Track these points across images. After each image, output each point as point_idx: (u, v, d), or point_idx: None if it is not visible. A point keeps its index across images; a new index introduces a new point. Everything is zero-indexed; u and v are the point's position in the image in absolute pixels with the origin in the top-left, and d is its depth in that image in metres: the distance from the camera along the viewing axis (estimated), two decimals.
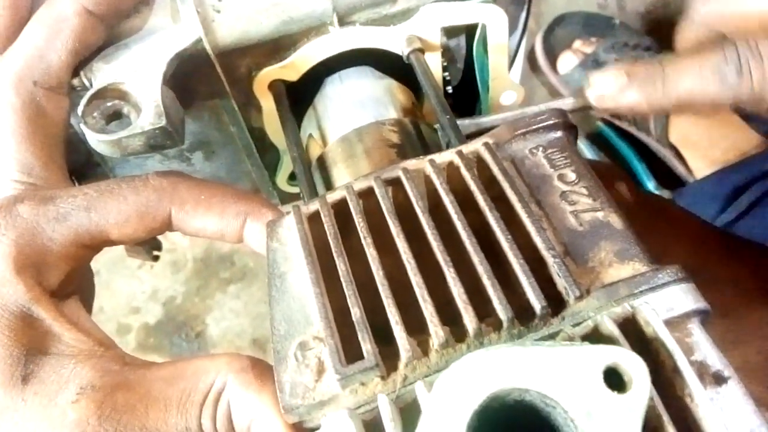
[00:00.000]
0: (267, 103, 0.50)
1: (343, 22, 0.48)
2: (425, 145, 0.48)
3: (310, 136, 0.51)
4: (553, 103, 0.51)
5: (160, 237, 0.48)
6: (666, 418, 0.27)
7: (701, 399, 0.28)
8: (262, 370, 0.36)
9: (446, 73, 0.54)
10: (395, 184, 0.37)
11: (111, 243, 0.41)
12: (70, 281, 0.40)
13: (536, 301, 0.31)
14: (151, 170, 0.43)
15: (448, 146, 0.47)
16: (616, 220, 0.35)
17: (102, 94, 0.44)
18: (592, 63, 1.41)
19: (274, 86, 0.49)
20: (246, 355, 0.37)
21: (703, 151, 1.34)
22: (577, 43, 1.48)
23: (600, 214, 0.35)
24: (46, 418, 0.34)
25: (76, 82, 0.45)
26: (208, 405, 0.35)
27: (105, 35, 0.45)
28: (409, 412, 0.30)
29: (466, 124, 0.49)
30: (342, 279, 0.33)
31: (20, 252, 0.37)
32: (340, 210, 0.37)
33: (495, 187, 0.35)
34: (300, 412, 0.31)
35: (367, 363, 0.30)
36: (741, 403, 0.29)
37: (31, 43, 0.43)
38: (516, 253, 0.32)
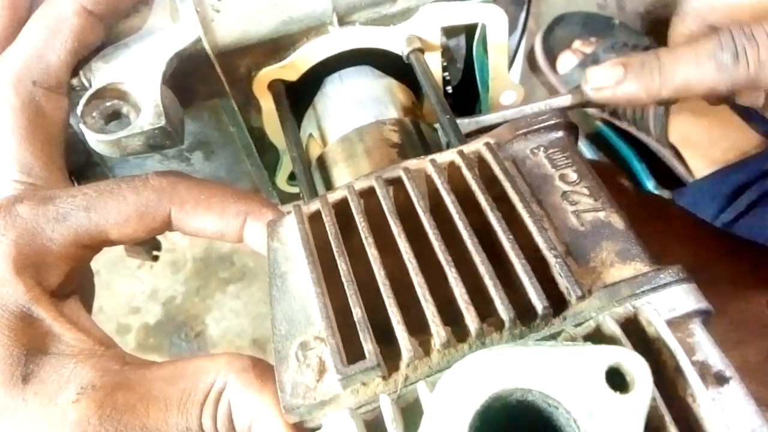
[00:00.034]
0: (266, 103, 0.50)
1: (342, 21, 0.48)
2: (426, 145, 0.48)
3: (310, 135, 0.51)
4: (551, 100, 0.51)
5: (159, 237, 0.48)
6: (668, 419, 0.27)
7: (703, 399, 0.28)
8: (263, 370, 0.36)
9: (446, 73, 0.54)
10: (396, 183, 0.37)
11: (111, 243, 0.41)
12: (69, 281, 0.39)
13: (538, 301, 0.31)
14: (150, 170, 0.43)
15: (448, 146, 0.47)
16: (617, 220, 0.35)
17: (101, 93, 0.44)
18: (592, 63, 1.41)
19: (274, 86, 0.49)
20: (246, 354, 0.37)
21: (703, 150, 1.34)
22: (577, 43, 1.48)
23: (601, 214, 0.35)
24: (46, 418, 0.34)
25: (75, 81, 0.45)
26: (209, 405, 0.35)
27: (104, 35, 0.45)
28: (410, 412, 0.30)
29: (465, 123, 0.49)
30: (343, 279, 0.33)
31: (20, 252, 0.37)
32: (341, 210, 0.36)
33: (496, 187, 0.35)
34: (301, 412, 0.31)
35: (368, 363, 0.30)
36: (742, 403, 0.29)
37: (30, 43, 0.43)
38: (517, 253, 0.32)
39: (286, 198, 0.63)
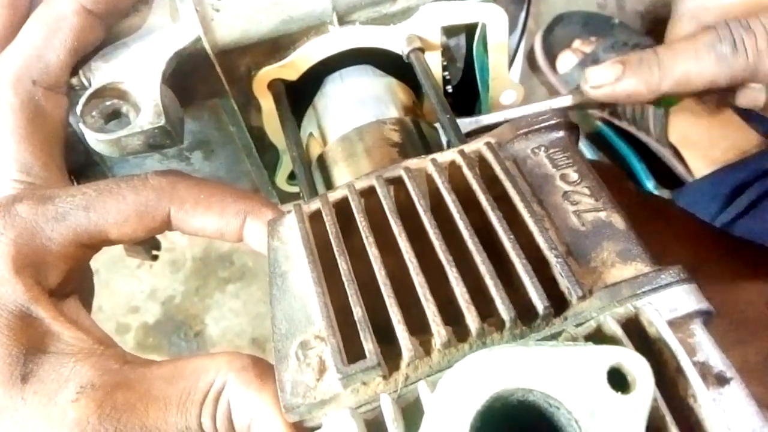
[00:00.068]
0: (266, 103, 0.50)
1: (342, 21, 0.47)
2: (426, 144, 0.47)
3: (311, 135, 0.51)
4: (552, 100, 0.51)
5: (159, 236, 0.48)
6: (669, 419, 0.27)
7: (704, 400, 0.28)
8: (263, 369, 0.36)
9: (446, 73, 0.54)
10: (397, 183, 0.37)
11: (110, 242, 0.41)
12: (69, 280, 0.39)
13: (539, 301, 0.31)
14: (150, 169, 0.43)
15: (448, 145, 0.47)
16: (618, 221, 0.35)
17: (101, 93, 0.44)
18: (592, 62, 1.41)
19: (274, 85, 0.49)
20: (246, 354, 0.37)
21: (703, 150, 1.34)
22: (577, 43, 1.48)
23: (602, 214, 0.35)
24: (45, 417, 0.34)
25: (74, 81, 0.45)
26: (208, 404, 0.35)
27: (104, 34, 0.45)
28: (410, 412, 0.30)
29: (466, 122, 0.49)
30: (344, 278, 0.33)
31: (19, 251, 0.37)
32: (342, 209, 0.36)
33: (497, 187, 0.35)
34: (301, 411, 0.31)
35: (368, 362, 0.30)
36: (743, 404, 0.29)
37: (30, 42, 0.43)
38: (518, 253, 0.32)
39: (285, 197, 0.63)
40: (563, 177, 0.37)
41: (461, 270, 0.32)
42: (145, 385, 0.35)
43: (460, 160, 0.37)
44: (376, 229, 0.35)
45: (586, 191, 0.36)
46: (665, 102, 0.54)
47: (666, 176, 1.42)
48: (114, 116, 0.44)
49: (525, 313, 0.31)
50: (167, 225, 0.41)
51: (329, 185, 0.47)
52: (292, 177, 0.60)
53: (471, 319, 0.31)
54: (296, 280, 0.35)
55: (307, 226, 0.36)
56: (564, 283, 0.31)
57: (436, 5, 0.48)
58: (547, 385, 0.26)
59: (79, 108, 0.43)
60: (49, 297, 0.37)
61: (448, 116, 0.45)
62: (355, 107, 0.49)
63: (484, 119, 0.50)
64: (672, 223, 0.71)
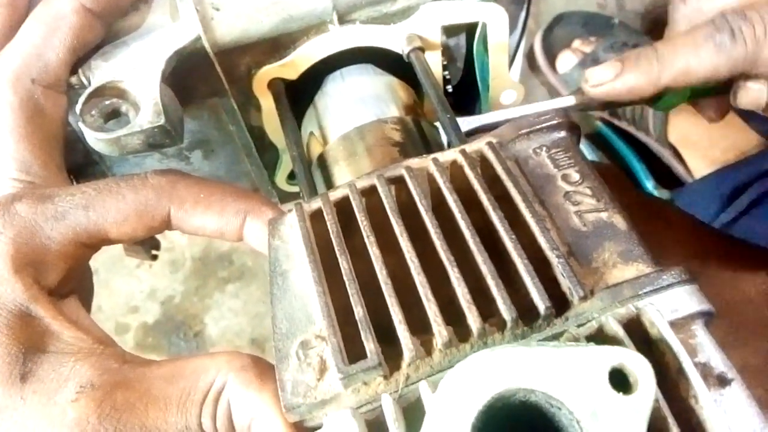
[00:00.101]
0: (266, 102, 0.50)
1: (343, 20, 0.47)
2: (427, 144, 0.47)
3: (311, 134, 0.51)
4: (553, 101, 0.51)
5: (158, 236, 0.48)
6: (671, 420, 0.27)
7: (705, 401, 0.28)
8: (263, 369, 0.35)
9: (446, 72, 0.54)
10: (398, 182, 0.37)
11: (110, 242, 0.41)
12: (68, 280, 0.39)
13: (540, 302, 0.30)
14: (149, 169, 0.42)
15: (449, 145, 0.47)
16: (619, 221, 0.34)
17: (100, 92, 0.44)
18: (591, 62, 1.41)
19: (274, 85, 0.49)
20: (246, 353, 0.37)
21: (703, 151, 1.34)
22: (576, 43, 1.48)
23: (604, 215, 0.35)
24: (45, 417, 0.34)
25: (74, 80, 0.45)
26: (208, 404, 0.35)
27: (103, 33, 0.45)
28: (411, 412, 0.30)
29: (466, 122, 0.49)
30: (344, 277, 0.33)
31: (18, 251, 0.37)
32: (343, 208, 0.36)
33: (498, 187, 0.35)
34: (301, 411, 0.31)
35: (369, 362, 0.30)
36: (744, 405, 0.29)
37: (29, 41, 0.43)
38: (520, 253, 0.32)
39: (285, 197, 0.63)
40: (565, 177, 0.37)
41: (462, 270, 0.32)
42: (145, 384, 0.35)
43: (461, 160, 0.37)
44: (377, 229, 0.35)
45: (588, 192, 0.36)
46: (664, 105, 0.54)
47: (666, 176, 1.42)
48: (113, 115, 0.44)
49: (526, 314, 0.31)
50: (167, 224, 0.41)
51: (330, 185, 0.47)
52: (291, 176, 0.60)
53: (472, 319, 0.31)
54: (297, 279, 0.35)
55: (308, 225, 0.36)
56: (565, 283, 0.31)
57: (437, 5, 0.48)
58: (548, 385, 0.26)
59: (78, 107, 0.43)
60: (48, 296, 0.37)
61: (448, 116, 0.45)
62: (356, 106, 0.49)
63: (485, 119, 0.50)
64: (672, 223, 0.71)
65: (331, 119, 0.50)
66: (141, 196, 0.40)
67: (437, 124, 0.49)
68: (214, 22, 0.46)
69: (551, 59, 1.50)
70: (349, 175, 0.45)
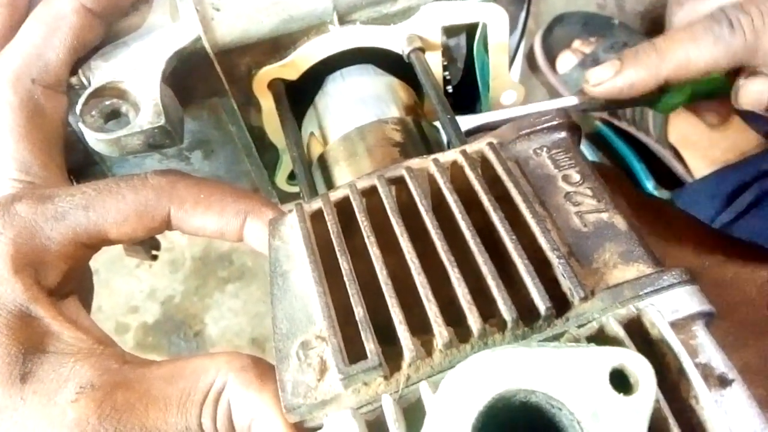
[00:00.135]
0: (266, 102, 0.50)
1: (343, 20, 0.47)
2: (427, 144, 0.47)
3: (311, 134, 0.51)
4: (556, 101, 0.51)
5: (158, 236, 0.48)
6: (671, 421, 0.27)
7: (706, 401, 0.28)
8: (263, 370, 0.35)
9: (446, 73, 0.54)
10: (399, 183, 0.37)
11: (110, 242, 0.41)
12: (68, 280, 0.39)
13: (541, 302, 0.30)
14: (149, 169, 0.42)
15: (449, 145, 0.47)
16: (620, 222, 0.34)
17: (100, 92, 0.44)
18: (591, 63, 1.41)
19: (274, 85, 0.49)
20: (246, 354, 0.37)
21: (703, 151, 1.34)
22: (576, 43, 1.48)
23: (604, 216, 0.35)
24: (45, 417, 0.34)
25: (74, 80, 0.45)
26: (209, 404, 0.35)
27: (103, 33, 0.45)
28: (412, 413, 0.30)
29: (466, 120, 0.49)
30: (345, 278, 0.33)
31: (18, 251, 0.37)
32: (343, 208, 0.36)
33: (499, 187, 0.35)
34: (302, 412, 0.31)
35: (370, 363, 0.30)
36: (745, 405, 0.29)
37: (29, 41, 0.43)
38: (520, 254, 0.32)
39: (285, 197, 0.63)
40: (565, 178, 0.37)
41: (463, 270, 0.32)
42: (145, 385, 0.35)
43: (462, 161, 0.37)
44: (378, 229, 0.35)
45: (588, 192, 0.36)
46: (665, 107, 0.54)
47: (666, 177, 1.42)
48: (113, 116, 0.44)
49: (527, 314, 0.31)
50: (167, 225, 0.41)
51: (330, 185, 0.47)
52: (292, 177, 0.60)
53: (473, 319, 0.31)
54: (297, 279, 0.35)
55: (309, 226, 0.36)
56: (566, 284, 0.31)
57: (437, 5, 0.48)
58: (549, 386, 0.26)
59: (78, 107, 0.43)
60: (48, 296, 0.37)
61: (448, 116, 0.45)
62: (357, 106, 0.49)
63: (486, 119, 0.50)
64: (672, 224, 0.71)
65: (332, 119, 0.50)
66: (141, 197, 0.40)
67: (437, 124, 0.49)
68: (215, 23, 0.46)
69: (551, 60, 1.50)
70: (349, 176, 0.45)
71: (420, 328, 0.31)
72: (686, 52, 0.48)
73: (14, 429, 0.34)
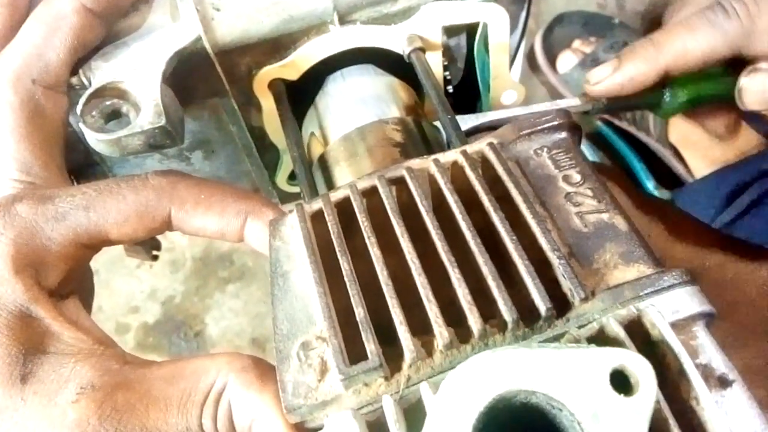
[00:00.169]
0: (267, 103, 0.50)
1: (343, 20, 0.47)
2: (428, 144, 0.47)
3: (312, 134, 0.51)
4: (558, 102, 0.51)
5: (159, 236, 0.48)
6: (672, 421, 0.27)
7: (707, 402, 0.28)
8: (264, 370, 0.35)
9: (447, 73, 0.54)
10: (399, 183, 0.37)
11: (110, 243, 0.41)
12: (69, 281, 0.39)
13: (541, 303, 0.30)
14: (150, 169, 0.43)
15: (450, 145, 0.47)
16: (620, 222, 0.34)
17: (101, 92, 0.44)
18: (592, 62, 1.41)
19: (274, 85, 0.49)
20: (247, 354, 0.37)
21: (703, 151, 1.34)
22: (577, 43, 1.48)
23: (605, 216, 0.35)
24: (45, 418, 0.34)
25: (74, 80, 0.45)
26: (209, 405, 0.35)
27: (104, 33, 0.45)
28: (412, 413, 0.30)
29: (466, 119, 0.49)
30: (345, 278, 0.33)
31: (19, 251, 0.37)
32: (344, 209, 0.36)
33: (499, 188, 0.35)
34: (302, 412, 0.31)
35: (370, 363, 0.30)
36: (746, 406, 0.29)
37: (30, 41, 0.43)
38: (521, 254, 0.32)
39: (286, 198, 0.63)
40: (566, 178, 0.37)
41: (463, 271, 0.32)
42: (146, 385, 0.35)
43: (462, 161, 0.37)
44: (378, 230, 0.35)
45: (589, 193, 0.36)
46: (666, 111, 0.54)
47: (666, 176, 1.42)
48: (114, 116, 0.44)
49: (527, 315, 0.31)
50: (167, 225, 0.41)
51: (330, 185, 0.47)
52: (292, 177, 0.60)
53: (473, 320, 0.31)
54: (298, 280, 0.35)
55: (309, 226, 0.36)
56: (566, 284, 0.31)
57: (437, 5, 0.48)
58: (549, 386, 0.25)
59: (79, 107, 0.43)
60: (48, 297, 0.37)
61: (449, 116, 0.45)
62: (357, 107, 0.49)
63: (486, 118, 0.50)
64: (672, 224, 0.71)
65: (332, 120, 0.50)
66: (141, 197, 0.40)
67: (438, 124, 0.50)
68: (215, 23, 0.46)
69: (551, 59, 1.50)
70: (350, 176, 0.45)
71: (420, 328, 0.31)
72: (683, 42, 0.48)
73: (14, 429, 0.34)
